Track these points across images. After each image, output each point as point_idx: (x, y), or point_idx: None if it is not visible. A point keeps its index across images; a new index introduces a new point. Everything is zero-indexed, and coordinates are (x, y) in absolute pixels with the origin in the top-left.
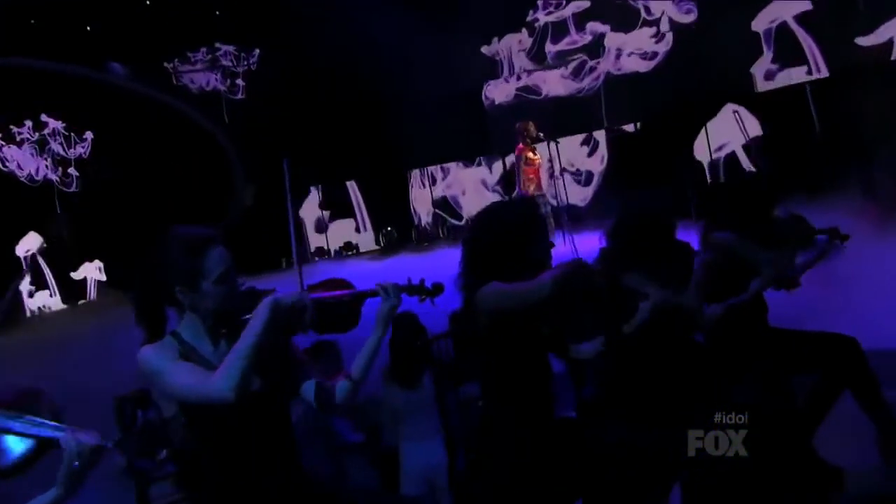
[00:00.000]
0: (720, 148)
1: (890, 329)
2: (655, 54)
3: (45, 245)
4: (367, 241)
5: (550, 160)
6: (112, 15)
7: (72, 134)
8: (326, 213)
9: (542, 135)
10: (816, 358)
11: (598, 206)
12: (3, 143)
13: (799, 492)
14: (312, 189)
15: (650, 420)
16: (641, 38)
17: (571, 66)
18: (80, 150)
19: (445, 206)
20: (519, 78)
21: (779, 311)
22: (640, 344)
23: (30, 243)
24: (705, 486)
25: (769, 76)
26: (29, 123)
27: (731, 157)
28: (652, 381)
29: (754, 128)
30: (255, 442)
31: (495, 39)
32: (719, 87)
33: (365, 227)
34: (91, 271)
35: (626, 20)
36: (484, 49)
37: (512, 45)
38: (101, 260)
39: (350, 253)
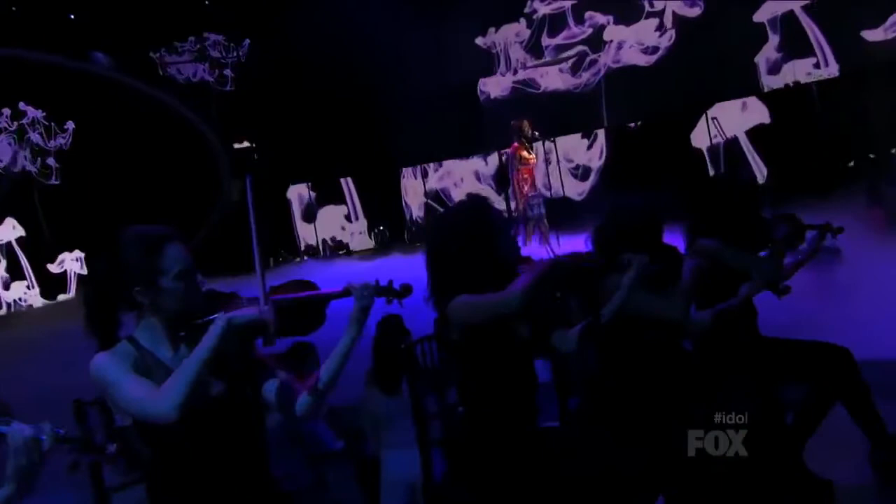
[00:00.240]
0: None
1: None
2: (657, 48)
3: (23, 235)
4: (359, 230)
5: (547, 161)
6: (96, 2)
7: (52, 124)
8: (314, 195)
9: (537, 133)
10: (808, 368)
11: (595, 203)
12: None
13: None
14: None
15: (636, 430)
16: (644, 32)
17: (571, 60)
18: (61, 140)
19: (438, 199)
20: (516, 72)
21: (777, 319)
22: (626, 351)
23: (5, 232)
24: (692, 499)
25: (774, 69)
26: (7, 112)
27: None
28: (639, 389)
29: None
30: (215, 450)
31: (492, 30)
32: (722, 83)
33: (356, 215)
34: (71, 264)
35: (629, 12)
36: (479, 41)
37: (508, 37)
38: (81, 251)
39: (341, 252)
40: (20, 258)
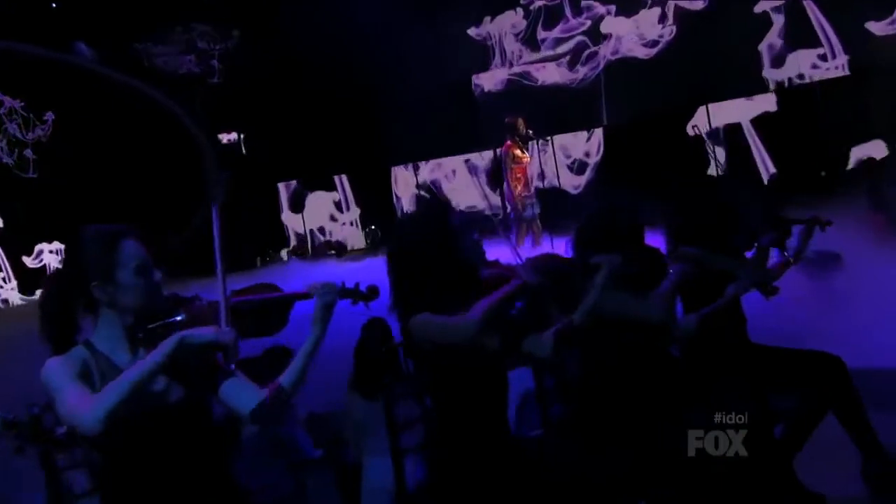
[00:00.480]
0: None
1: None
2: (657, 41)
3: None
4: (349, 220)
5: (542, 150)
6: None
7: (31, 115)
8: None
9: (531, 132)
10: (798, 376)
11: (591, 198)
12: None
13: None
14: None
15: (618, 436)
16: (644, 23)
17: (568, 54)
18: (40, 132)
19: (430, 192)
20: (511, 65)
21: (775, 326)
22: (606, 356)
23: None
24: None
25: (778, 61)
26: None
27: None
28: (620, 394)
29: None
30: (173, 458)
31: (487, 19)
32: (724, 78)
33: (348, 204)
34: (49, 257)
35: (629, 3)
36: (473, 31)
37: (504, 28)
38: (60, 242)
39: (331, 252)
40: None
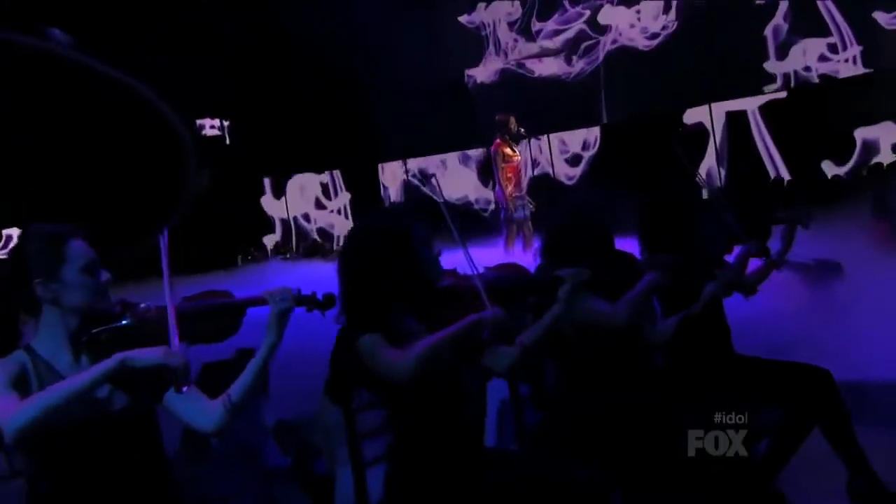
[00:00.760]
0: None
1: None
2: (658, 34)
3: None
4: (338, 206)
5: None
6: None
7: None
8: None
9: (523, 130)
10: (785, 390)
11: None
12: None
13: None
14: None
15: (594, 451)
16: (645, 15)
17: (564, 50)
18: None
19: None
20: (506, 55)
21: (771, 337)
22: (589, 365)
23: None
24: None
25: (782, 50)
26: None
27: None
28: (599, 407)
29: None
30: (115, 468)
31: (481, 6)
32: (726, 73)
33: (337, 189)
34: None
35: None
36: (464, 19)
37: (498, 16)
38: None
39: (319, 256)
40: None
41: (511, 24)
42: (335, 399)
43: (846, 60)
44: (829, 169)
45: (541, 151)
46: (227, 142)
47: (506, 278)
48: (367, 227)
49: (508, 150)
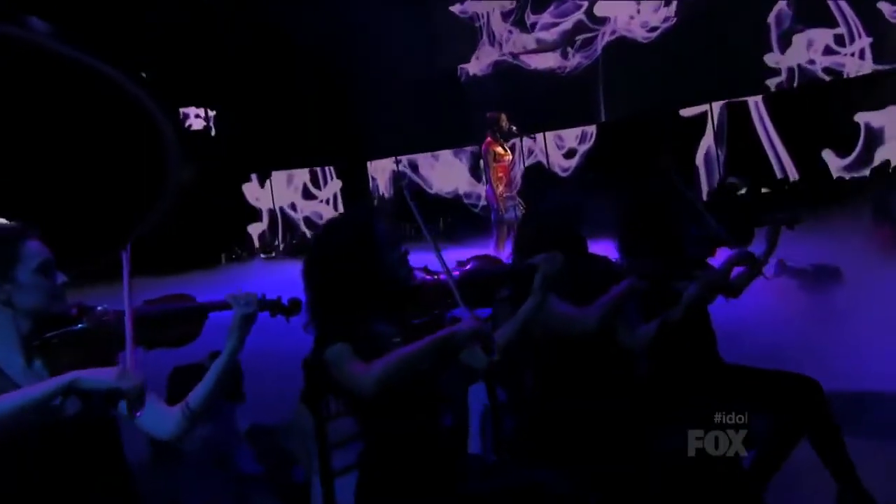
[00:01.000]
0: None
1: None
2: (656, 28)
3: None
4: (327, 200)
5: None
6: None
7: None
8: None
9: (514, 128)
10: (772, 400)
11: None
12: None
13: None
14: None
15: (573, 459)
16: (643, 7)
17: (561, 34)
18: None
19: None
20: (500, 46)
21: (766, 345)
22: (559, 369)
23: None
24: None
25: (785, 39)
26: None
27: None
28: (577, 414)
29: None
30: (68, 475)
31: None
32: (726, 75)
33: (326, 178)
34: None
35: None
36: (456, 9)
37: (493, 6)
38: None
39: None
40: None
41: (505, 15)
42: (314, 405)
43: (852, 54)
44: (831, 160)
45: (535, 141)
46: (213, 133)
47: (478, 271)
48: (327, 232)
49: (499, 149)
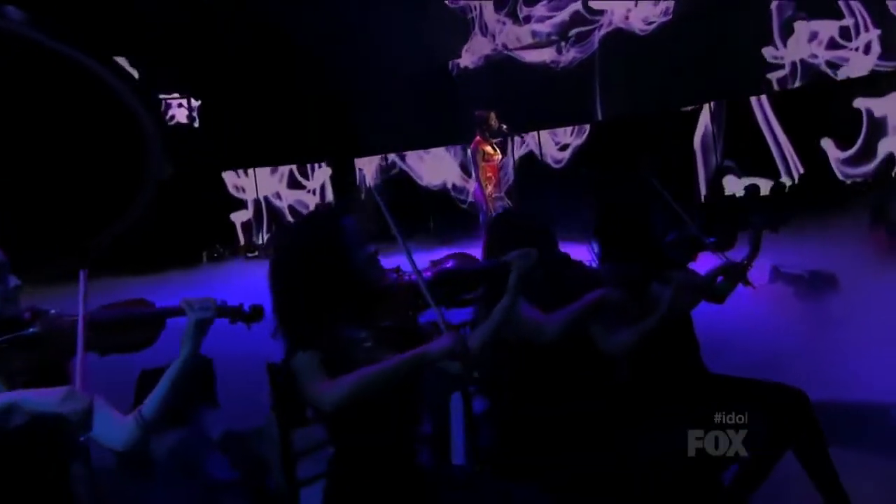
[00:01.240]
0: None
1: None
2: (653, 22)
3: None
4: (314, 191)
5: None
6: None
7: None
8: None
9: (505, 127)
10: (757, 411)
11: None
12: None
13: None
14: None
15: (548, 466)
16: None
17: (557, 27)
18: None
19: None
20: (494, 37)
21: (759, 353)
22: (529, 374)
23: None
24: None
25: (787, 29)
26: None
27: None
28: (553, 423)
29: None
30: (13, 489)
31: None
32: (726, 73)
33: (314, 166)
34: None
35: None
36: (449, 1)
37: None
38: None
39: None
40: None
41: (498, 7)
42: (276, 413)
43: (857, 49)
44: (832, 152)
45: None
46: (197, 124)
47: (451, 270)
48: (290, 234)
49: (489, 149)
